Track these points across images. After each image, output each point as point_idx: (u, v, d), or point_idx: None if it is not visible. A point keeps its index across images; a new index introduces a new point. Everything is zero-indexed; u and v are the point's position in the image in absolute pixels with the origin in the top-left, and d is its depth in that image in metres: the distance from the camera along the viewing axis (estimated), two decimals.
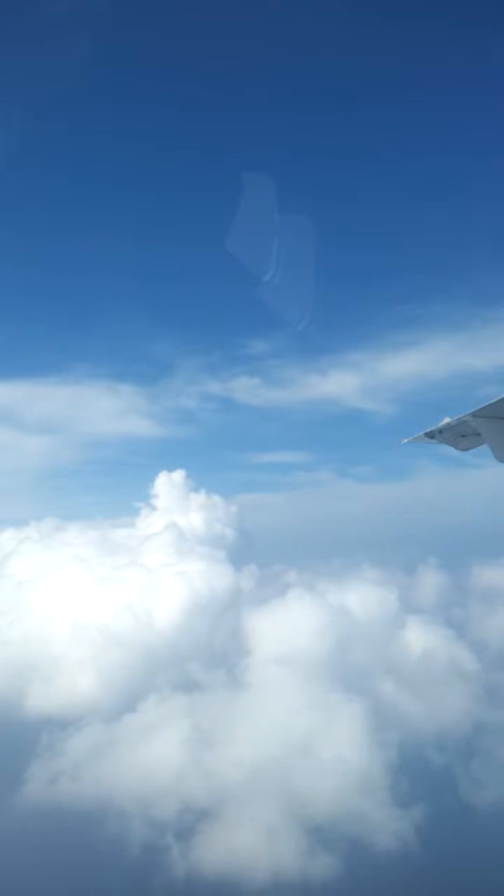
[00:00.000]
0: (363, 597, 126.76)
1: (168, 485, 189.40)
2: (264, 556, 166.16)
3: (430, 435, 9.67)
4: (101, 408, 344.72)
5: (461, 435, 9.35)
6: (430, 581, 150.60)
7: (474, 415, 8.12)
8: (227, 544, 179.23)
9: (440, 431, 9.41)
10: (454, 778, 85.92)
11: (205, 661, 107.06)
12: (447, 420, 9.18)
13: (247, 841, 69.59)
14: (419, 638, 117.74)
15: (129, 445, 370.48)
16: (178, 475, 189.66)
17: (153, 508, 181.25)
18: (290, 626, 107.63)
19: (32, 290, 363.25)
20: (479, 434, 8.82)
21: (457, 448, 9.64)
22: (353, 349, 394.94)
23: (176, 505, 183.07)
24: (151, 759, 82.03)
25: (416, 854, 72.70)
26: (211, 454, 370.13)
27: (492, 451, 8.34)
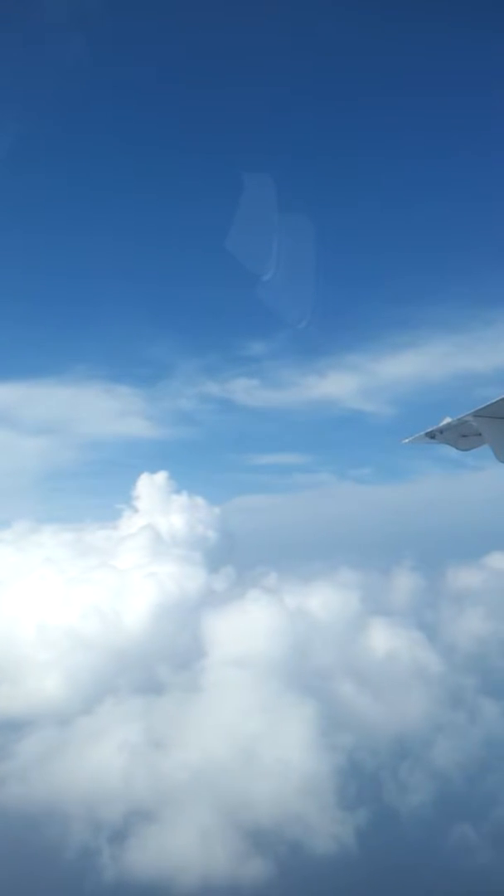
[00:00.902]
0: (331, 599, 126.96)
1: (150, 486, 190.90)
2: (249, 558, 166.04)
3: (431, 435, 9.83)
4: (99, 409, 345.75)
5: (462, 435, 9.52)
6: (408, 583, 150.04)
7: (475, 414, 8.20)
8: (208, 546, 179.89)
9: (441, 431, 9.58)
10: (403, 781, 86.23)
11: (167, 663, 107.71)
12: (448, 420, 9.33)
13: (182, 844, 70.26)
14: (385, 640, 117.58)
15: (127, 447, 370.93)
16: (161, 477, 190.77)
17: (135, 510, 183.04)
18: (252, 628, 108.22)
19: (30, 291, 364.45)
20: (479, 434, 8.96)
21: (457, 448, 9.79)
22: (351, 350, 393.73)
23: (158, 507, 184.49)
24: (99, 762, 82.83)
25: (354, 858, 73.15)
26: (210, 455, 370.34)
27: (493, 451, 8.46)
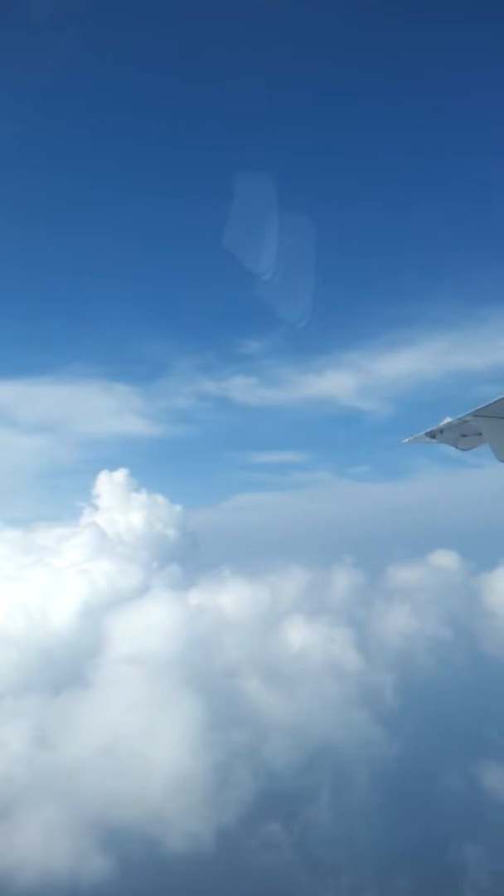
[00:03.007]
0: (260, 597, 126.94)
1: (110, 484, 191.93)
2: (217, 556, 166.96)
3: (431, 434, 9.86)
4: (96, 407, 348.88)
5: (462, 434, 9.52)
6: (351, 581, 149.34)
7: (475, 414, 8.21)
8: (167, 544, 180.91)
9: (441, 431, 9.61)
10: (285, 781, 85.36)
11: (76, 660, 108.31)
12: (448, 419, 9.35)
13: (28, 842, 70.57)
14: (305, 638, 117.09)
15: (125, 445, 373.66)
16: (121, 474, 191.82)
17: (95, 508, 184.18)
18: (159, 625, 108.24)
19: (27, 290, 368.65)
20: (479, 434, 9.01)
21: (457, 448, 9.78)
22: (348, 348, 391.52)
23: (117, 505, 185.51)
24: None
25: (207, 857, 72.65)
26: (208, 454, 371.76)
27: (493, 450, 8.49)
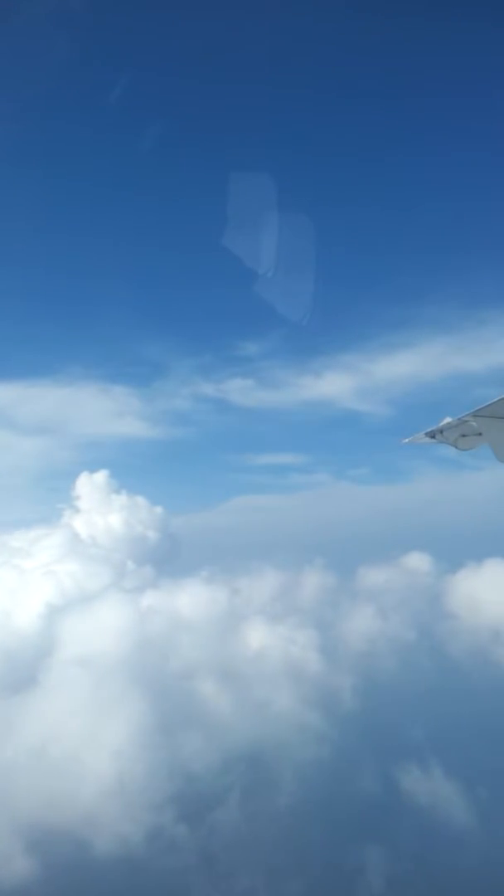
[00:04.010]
0: (221, 597, 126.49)
1: (90, 486, 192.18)
2: (203, 559, 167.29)
3: (431, 435, 9.89)
4: (95, 409, 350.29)
5: (462, 435, 9.52)
6: (323, 582, 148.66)
7: (475, 414, 8.24)
8: (146, 546, 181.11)
9: (441, 431, 9.64)
10: (227, 783, 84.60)
11: (39, 662, 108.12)
12: (448, 420, 9.40)
13: None
14: (267, 640, 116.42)
15: (124, 447, 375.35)
16: (101, 476, 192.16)
17: (76, 510, 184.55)
18: (115, 626, 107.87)
19: (25, 292, 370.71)
20: (479, 434, 9.05)
21: (457, 448, 9.75)
22: (346, 350, 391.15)
23: (96, 506, 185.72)
24: None
25: (137, 860, 72.03)
26: (206, 456, 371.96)
27: (493, 450, 8.53)
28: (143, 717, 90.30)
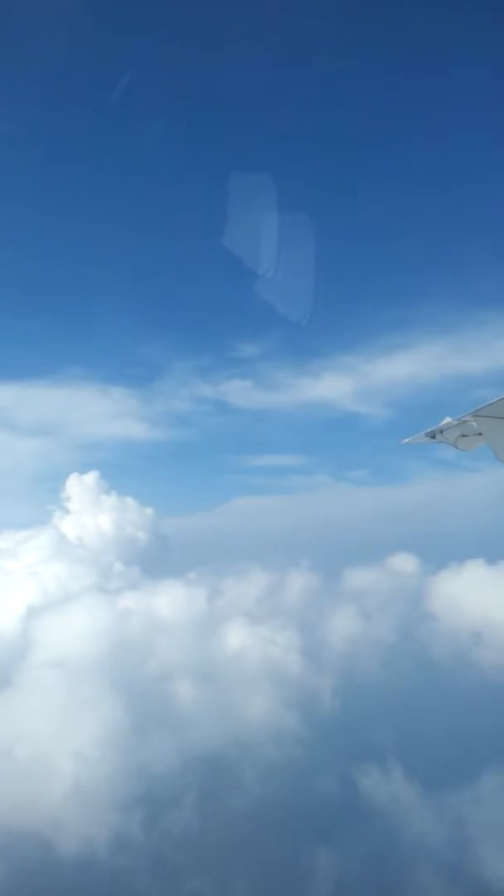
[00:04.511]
0: (203, 599, 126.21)
1: (80, 487, 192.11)
2: (195, 560, 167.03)
3: (432, 435, 9.95)
4: (94, 410, 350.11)
5: (462, 435, 9.60)
6: (309, 584, 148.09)
7: (475, 414, 8.28)
8: (134, 547, 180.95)
9: (441, 431, 9.72)
10: (186, 784, 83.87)
11: (16, 663, 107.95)
12: (448, 420, 9.50)
13: None
14: (248, 642, 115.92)
15: (123, 448, 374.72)
16: (91, 477, 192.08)
17: (66, 511, 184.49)
18: (94, 627, 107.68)
19: (24, 294, 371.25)
20: (480, 434, 9.07)
21: (457, 448, 9.81)
22: (344, 352, 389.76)
23: (85, 508, 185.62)
24: None
25: (95, 860, 71.51)
26: (205, 457, 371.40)
27: (493, 450, 8.53)
28: (116, 719, 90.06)
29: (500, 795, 67.58)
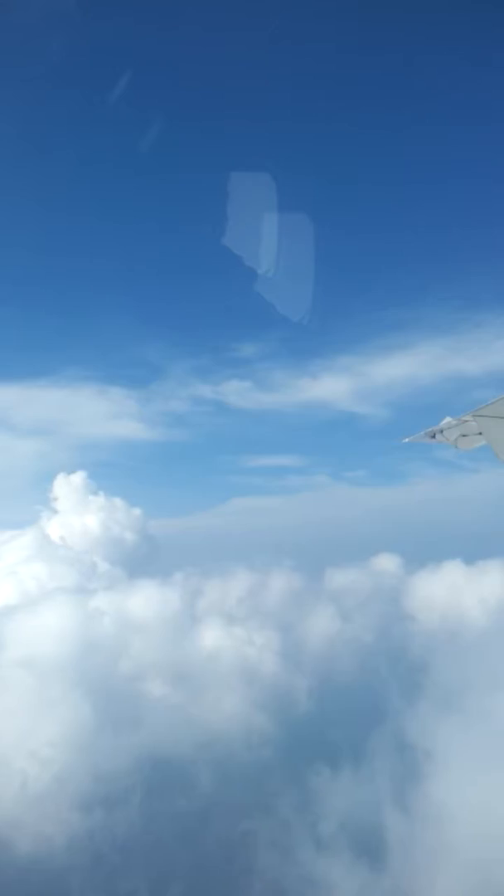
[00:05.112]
0: (182, 599, 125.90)
1: (67, 488, 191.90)
2: (178, 561, 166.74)
3: (432, 434, 9.95)
4: (92, 411, 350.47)
5: (462, 434, 9.57)
6: (291, 584, 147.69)
7: (476, 414, 8.30)
8: (121, 548, 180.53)
9: (441, 431, 9.70)
10: (135, 784, 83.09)
11: None
12: (448, 419, 9.50)
13: None
14: (224, 642, 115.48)
15: (122, 448, 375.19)
16: (78, 477, 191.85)
17: (54, 511, 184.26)
18: (68, 627, 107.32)
19: (23, 294, 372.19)
20: (480, 434, 9.05)
21: (457, 448, 9.80)
22: (343, 352, 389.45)
23: (72, 508, 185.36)
24: None
25: (57, 861, 71.20)
26: (204, 457, 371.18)
27: (493, 450, 8.54)
28: (82, 719, 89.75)
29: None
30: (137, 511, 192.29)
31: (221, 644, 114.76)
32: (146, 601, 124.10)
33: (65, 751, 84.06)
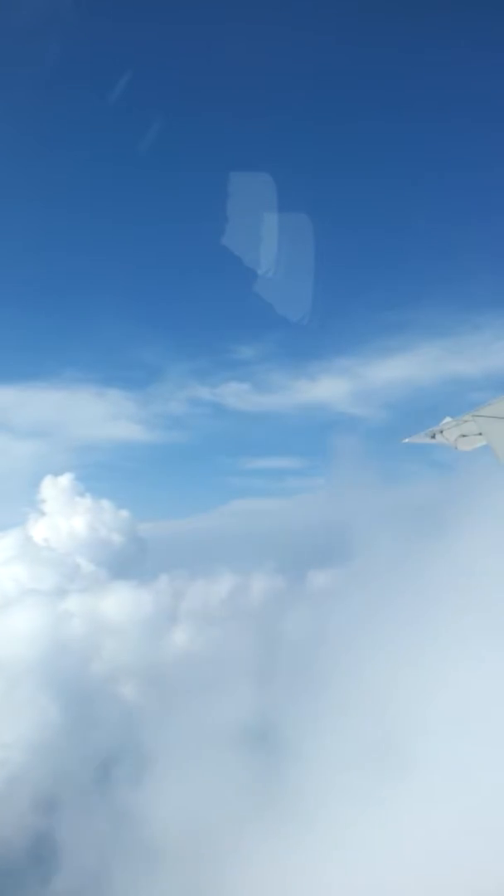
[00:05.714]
0: (162, 601, 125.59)
1: (54, 489, 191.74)
2: (166, 564, 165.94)
3: (432, 435, 9.99)
4: (90, 413, 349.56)
5: (462, 435, 9.61)
6: (271, 585, 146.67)
7: (476, 415, 8.40)
8: (107, 550, 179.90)
9: (441, 431, 9.75)
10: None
11: None
12: (448, 420, 9.54)
13: None
14: (197, 644, 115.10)
15: (120, 450, 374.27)
16: (65, 479, 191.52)
17: (41, 513, 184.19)
18: (38, 630, 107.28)
19: (20, 295, 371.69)
20: (480, 434, 9.11)
21: (457, 448, 9.85)
22: (341, 354, 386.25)
23: (58, 510, 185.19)
24: None
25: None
26: (203, 459, 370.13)
27: (493, 451, 8.59)
28: (47, 721, 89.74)
29: None
30: (125, 513, 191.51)
31: (199, 646, 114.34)
32: (120, 603, 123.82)
33: (25, 753, 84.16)
